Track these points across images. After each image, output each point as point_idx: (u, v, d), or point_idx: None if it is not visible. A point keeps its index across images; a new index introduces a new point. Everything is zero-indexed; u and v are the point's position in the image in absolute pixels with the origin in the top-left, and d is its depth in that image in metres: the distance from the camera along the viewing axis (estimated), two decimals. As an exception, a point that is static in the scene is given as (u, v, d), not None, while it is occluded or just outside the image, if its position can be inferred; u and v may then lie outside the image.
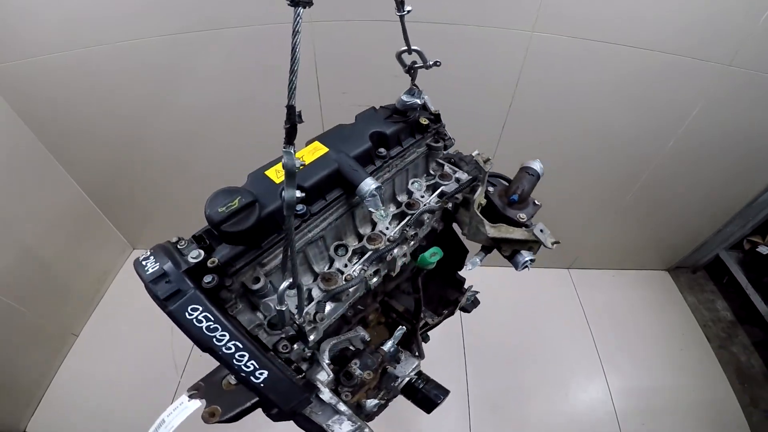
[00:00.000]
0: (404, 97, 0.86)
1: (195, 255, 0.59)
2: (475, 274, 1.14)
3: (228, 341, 0.55)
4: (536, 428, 2.19)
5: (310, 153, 0.76)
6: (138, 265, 0.57)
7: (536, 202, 0.92)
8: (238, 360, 0.55)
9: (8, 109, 1.92)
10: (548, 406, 2.26)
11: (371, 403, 0.74)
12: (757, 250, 2.41)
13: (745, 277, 2.44)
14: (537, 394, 2.30)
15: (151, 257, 0.58)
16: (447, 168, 0.92)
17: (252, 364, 0.56)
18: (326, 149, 0.76)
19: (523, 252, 0.85)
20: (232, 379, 0.60)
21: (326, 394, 0.65)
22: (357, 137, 0.82)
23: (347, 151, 0.77)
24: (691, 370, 2.39)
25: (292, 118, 0.45)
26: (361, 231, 0.82)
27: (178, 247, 0.61)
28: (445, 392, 0.83)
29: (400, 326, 0.86)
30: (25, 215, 2.07)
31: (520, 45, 1.67)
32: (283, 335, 0.64)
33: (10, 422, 2.02)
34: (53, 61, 1.76)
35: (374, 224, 0.83)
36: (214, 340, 0.55)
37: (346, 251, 0.77)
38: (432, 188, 0.90)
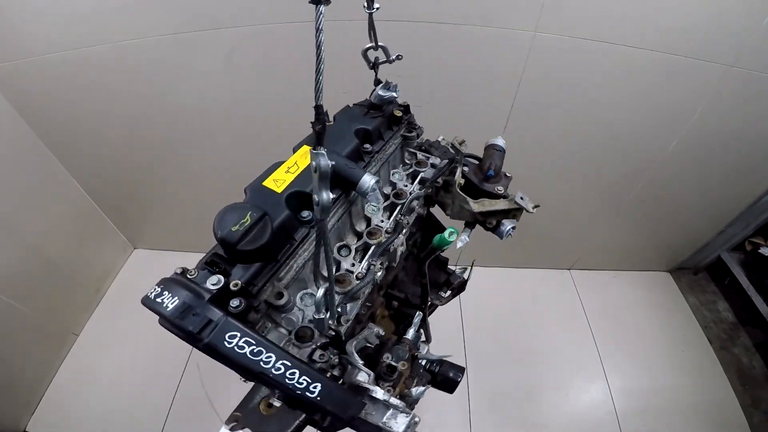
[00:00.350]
0: (381, 92, 0.88)
1: (215, 281, 0.56)
2: (478, 275, 1.13)
3: (276, 362, 0.53)
4: (537, 428, 2.18)
5: (302, 157, 0.75)
6: (153, 303, 0.53)
7: (507, 174, 0.96)
8: (289, 379, 0.53)
9: (9, 108, 1.92)
10: (549, 406, 2.26)
11: (418, 390, 0.75)
12: (759, 251, 2.41)
13: (746, 278, 2.44)
14: (537, 394, 2.29)
15: (165, 292, 0.53)
16: (420, 155, 0.96)
17: (304, 379, 0.54)
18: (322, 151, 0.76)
19: (504, 222, 0.90)
20: (275, 401, 0.57)
21: (379, 392, 0.64)
22: (343, 136, 0.83)
23: (338, 151, 0.77)
24: (692, 371, 2.39)
25: (322, 118, 0.45)
26: (358, 228, 0.82)
27: (189, 277, 0.57)
28: (462, 369, 0.84)
29: (418, 312, 0.88)
30: (26, 214, 2.07)
31: (523, 45, 1.66)
32: (314, 345, 0.63)
33: (10, 421, 2.02)
34: (55, 60, 1.75)
35: (368, 220, 0.83)
36: (261, 363, 0.52)
37: (350, 251, 0.77)
38: (411, 176, 0.93)
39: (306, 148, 0.77)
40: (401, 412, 0.64)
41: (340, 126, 0.86)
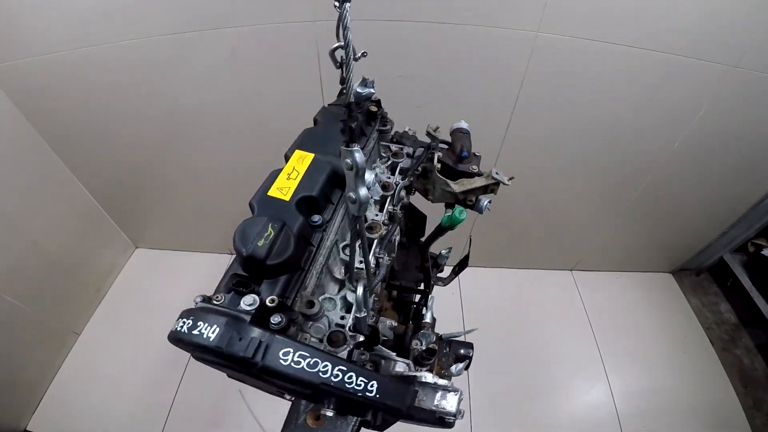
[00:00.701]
0: (359, 89, 0.89)
1: (250, 302, 0.54)
2: (480, 275, 1.13)
3: (332, 369, 0.52)
4: (538, 428, 2.18)
5: (299, 162, 0.75)
6: (189, 336, 0.50)
7: (477, 154, 0.99)
8: (348, 383, 0.53)
9: (12, 107, 1.92)
10: (550, 407, 2.26)
11: (458, 368, 0.76)
12: (762, 252, 2.40)
13: (749, 279, 2.43)
14: (539, 395, 2.29)
15: (200, 323, 0.51)
16: (394, 147, 1.00)
17: (361, 380, 0.54)
18: (311, 155, 0.76)
19: (481, 197, 0.93)
20: (327, 412, 0.56)
21: (429, 376, 0.65)
22: (331, 136, 0.84)
23: (332, 152, 0.78)
24: (693, 372, 2.38)
25: (354, 116, 0.45)
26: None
27: (216, 302, 0.55)
28: (471, 345, 0.85)
29: (431, 296, 0.92)
30: (28, 213, 2.07)
31: (526, 45, 1.66)
32: (349, 347, 0.63)
33: (11, 420, 2.03)
34: (57, 60, 1.75)
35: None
36: (320, 374, 0.52)
37: (354, 250, 0.78)
38: (391, 168, 0.96)
39: (299, 153, 0.78)
40: (450, 391, 0.65)
41: (325, 127, 0.88)
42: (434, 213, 1.06)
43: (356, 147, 0.45)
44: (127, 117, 2.01)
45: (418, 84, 1.79)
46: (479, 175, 0.94)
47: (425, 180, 0.99)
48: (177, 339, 0.51)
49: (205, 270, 2.78)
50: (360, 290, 0.56)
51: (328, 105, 0.98)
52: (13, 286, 1.97)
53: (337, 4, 0.83)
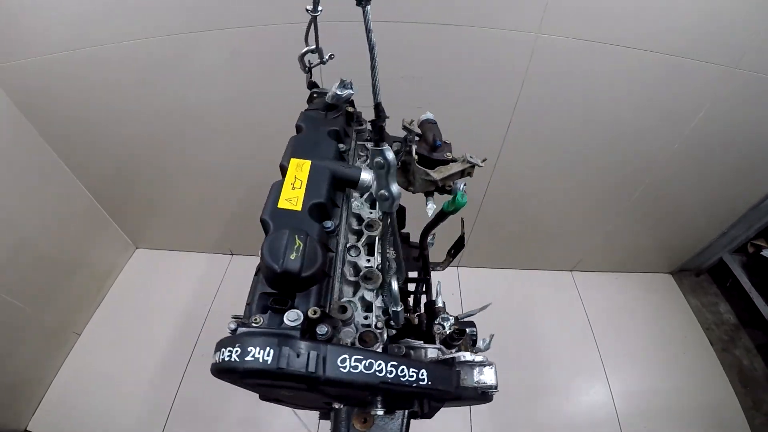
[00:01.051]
0: (338, 91, 0.90)
1: (294, 317, 0.54)
2: (480, 276, 1.13)
3: (386, 367, 0.53)
4: (538, 429, 2.19)
5: (298, 170, 0.75)
6: (241, 364, 0.48)
7: (446, 141, 1.01)
8: (402, 377, 0.54)
9: (12, 107, 1.93)
10: (550, 408, 2.26)
11: (486, 341, 0.79)
12: (761, 253, 2.40)
13: (748, 280, 2.43)
14: (539, 396, 2.29)
15: (249, 348, 0.49)
16: (369, 145, 1.00)
17: (412, 372, 0.55)
18: (308, 161, 0.76)
19: (457, 182, 0.95)
20: (377, 410, 0.56)
21: (467, 355, 0.67)
22: (321, 141, 0.84)
23: (327, 156, 0.79)
24: (693, 373, 2.38)
25: (382, 115, 0.46)
26: (354, 227, 0.83)
27: (254, 324, 0.54)
28: (472, 323, 0.88)
29: (438, 281, 0.95)
30: (28, 213, 2.07)
31: (526, 46, 1.66)
32: (382, 343, 0.64)
33: (11, 420, 2.03)
34: (57, 59, 1.76)
35: (356, 216, 0.85)
36: (377, 374, 0.52)
37: (359, 250, 0.78)
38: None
39: (296, 161, 0.77)
40: (485, 365, 0.66)
41: (310, 132, 0.87)
42: (412, 204, 1.08)
43: (386, 145, 0.45)
44: (128, 117, 2.01)
45: (420, 85, 1.79)
46: (454, 161, 0.96)
47: (405, 172, 1.01)
48: (228, 369, 0.49)
49: (205, 270, 2.79)
50: (395, 285, 0.57)
51: (306, 110, 0.98)
52: (13, 286, 1.97)
53: (309, 8, 0.84)
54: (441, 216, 0.93)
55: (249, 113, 1.98)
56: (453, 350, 0.72)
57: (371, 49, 0.41)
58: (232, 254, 2.90)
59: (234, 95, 1.91)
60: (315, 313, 0.54)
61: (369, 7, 0.40)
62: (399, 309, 0.59)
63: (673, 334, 2.56)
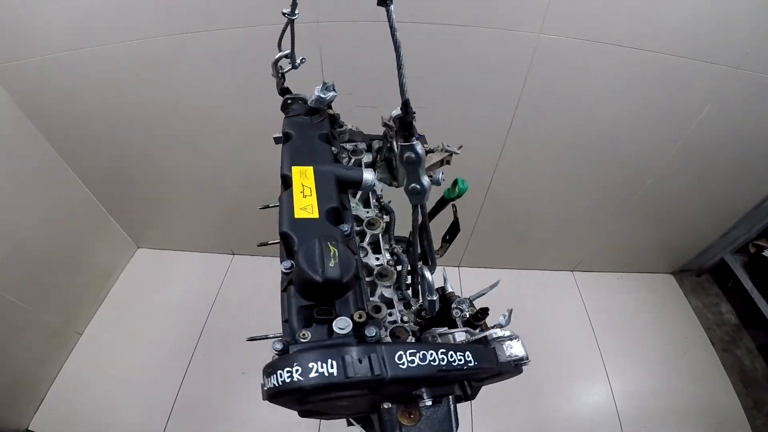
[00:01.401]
0: (321, 94, 0.90)
1: (343, 325, 0.54)
2: (481, 276, 1.13)
3: (438, 355, 0.54)
4: (539, 429, 2.18)
5: (303, 177, 0.74)
6: (307, 380, 0.47)
7: (421, 134, 1.00)
8: (452, 361, 0.55)
9: (12, 105, 1.93)
10: (550, 409, 2.26)
11: (505, 316, 0.80)
12: (763, 254, 2.40)
13: (750, 280, 2.43)
14: (539, 396, 2.29)
15: (311, 364, 0.48)
16: (349, 146, 1.01)
17: (460, 356, 0.56)
18: (310, 167, 0.76)
19: (435, 171, 0.95)
20: (425, 401, 0.56)
21: (498, 331, 0.69)
22: (316, 146, 0.84)
23: (325, 160, 0.79)
24: (694, 374, 2.38)
25: (411, 111, 0.47)
26: (356, 228, 0.84)
27: (303, 339, 0.53)
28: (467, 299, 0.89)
29: (443, 268, 0.94)
30: (30, 212, 2.08)
31: (527, 47, 1.66)
32: (413, 336, 0.65)
33: (13, 420, 2.03)
34: (59, 59, 1.76)
35: (353, 217, 0.86)
36: (431, 364, 0.53)
37: (366, 250, 0.78)
38: (357, 164, 0.97)
39: (299, 169, 0.77)
40: (513, 338, 0.69)
41: (302, 138, 0.87)
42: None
43: (415, 140, 0.47)
44: (129, 116, 2.01)
45: (420, 85, 1.79)
46: (432, 151, 0.95)
47: (389, 169, 1.01)
48: (292, 390, 0.47)
49: (207, 270, 2.79)
50: (429, 276, 0.56)
51: (288, 116, 0.98)
52: (15, 285, 1.97)
53: (286, 11, 0.84)
54: (442, 203, 0.93)
55: (251, 112, 1.97)
56: (479, 330, 0.73)
57: (397, 48, 0.42)
58: (233, 254, 2.90)
59: (236, 94, 1.92)
60: (361, 317, 0.54)
61: (392, 7, 0.42)
62: (435, 298, 0.60)
63: (675, 335, 2.56)
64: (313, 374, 0.47)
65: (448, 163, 0.98)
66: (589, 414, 2.25)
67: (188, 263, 2.83)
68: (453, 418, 0.63)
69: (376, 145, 0.99)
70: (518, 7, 1.57)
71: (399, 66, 0.42)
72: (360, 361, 0.48)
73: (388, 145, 0.97)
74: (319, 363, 0.47)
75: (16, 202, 1.99)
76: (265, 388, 0.50)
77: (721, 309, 2.67)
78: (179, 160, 2.26)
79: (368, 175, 0.74)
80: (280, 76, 0.95)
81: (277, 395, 0.49)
